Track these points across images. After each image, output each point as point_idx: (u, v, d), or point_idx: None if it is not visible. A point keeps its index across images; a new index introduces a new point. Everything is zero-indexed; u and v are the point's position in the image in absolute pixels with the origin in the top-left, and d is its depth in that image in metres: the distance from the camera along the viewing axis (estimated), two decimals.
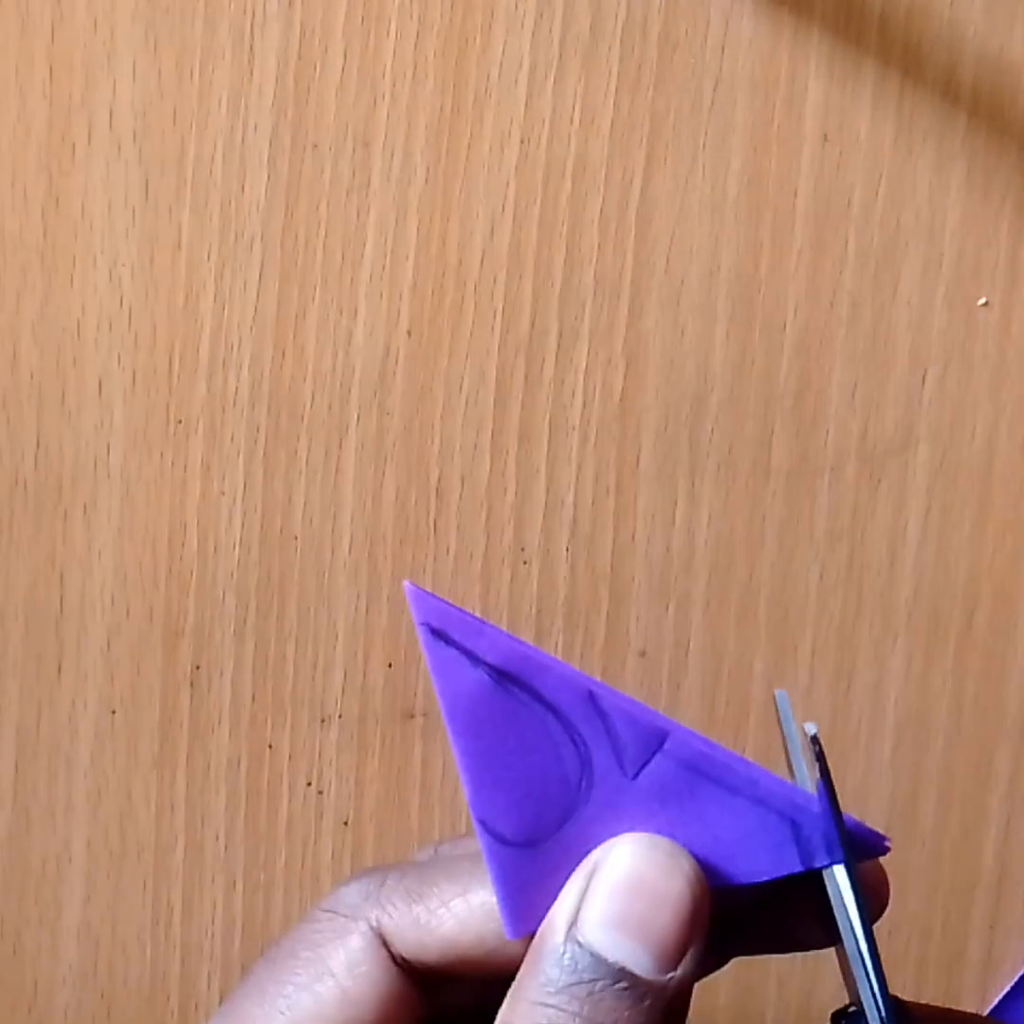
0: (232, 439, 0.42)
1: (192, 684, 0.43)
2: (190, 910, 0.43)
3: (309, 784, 0.43)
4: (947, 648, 0.43)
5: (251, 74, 0.40)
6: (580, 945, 0.28)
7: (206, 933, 0.43)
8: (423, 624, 0.30)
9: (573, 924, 0.29)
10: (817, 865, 0.29)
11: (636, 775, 0.30)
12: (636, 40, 0.41)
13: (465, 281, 0.42)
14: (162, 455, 0.42)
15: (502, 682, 0.30)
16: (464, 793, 0.30)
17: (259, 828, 0.43)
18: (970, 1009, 0.44)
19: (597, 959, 0.28)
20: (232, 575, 0.42)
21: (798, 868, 0.29)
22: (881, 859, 0.31)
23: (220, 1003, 0.35)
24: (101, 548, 0.42)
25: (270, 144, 0.41)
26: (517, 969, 0.30)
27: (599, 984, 0.28)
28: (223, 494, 0.42)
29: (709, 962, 0.34)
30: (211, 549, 0.42)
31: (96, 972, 0.43)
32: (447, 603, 0.30)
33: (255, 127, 0.41)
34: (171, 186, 0.41)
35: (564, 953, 0.28)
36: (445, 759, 0.43)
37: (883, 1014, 0.28)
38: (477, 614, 0.42)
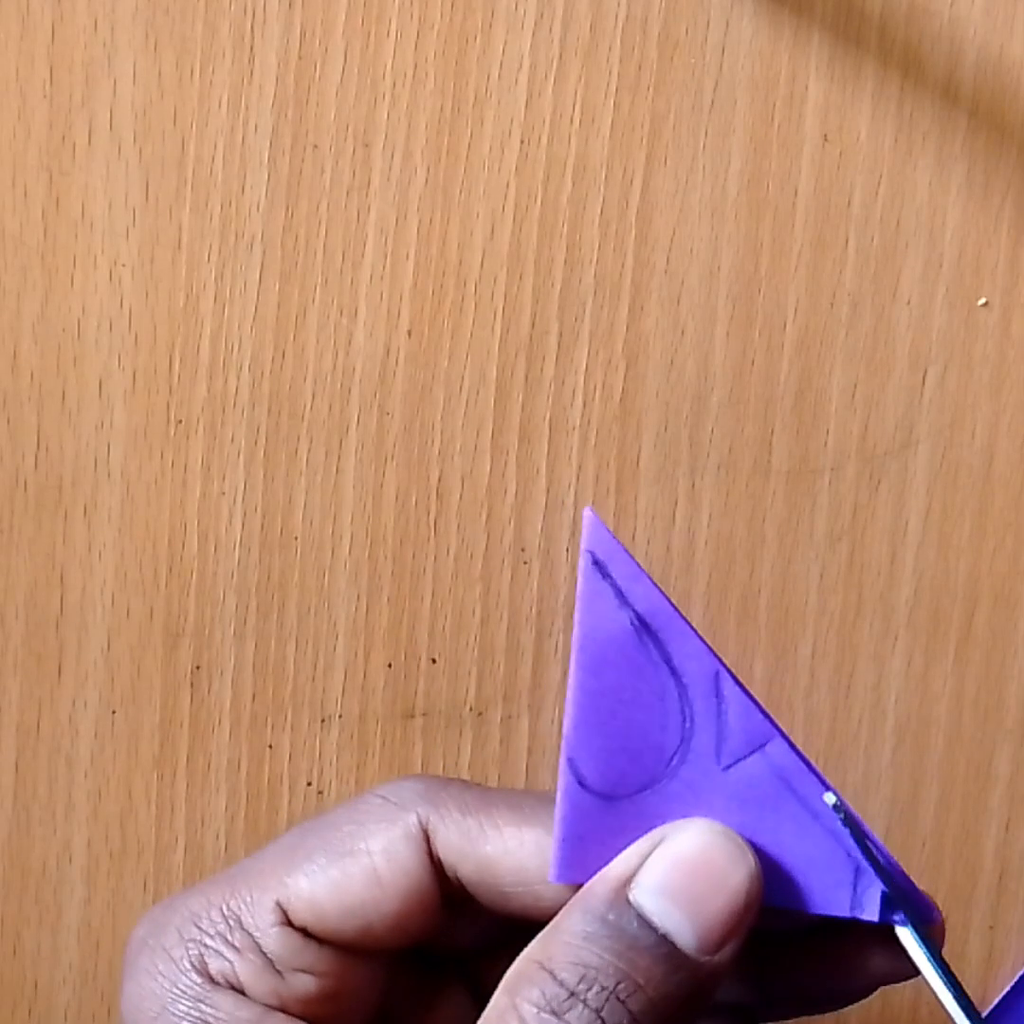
0: (232, 439, 0.42)
1: (192, 684, 0.43)
2: None
3: (309, 784, 0.43)
4: (947, 648, 0.43)
5: (251, 74, 0.40)
6: (630, 904, 0.29)
7: None
8: (588, 551, 0.30)
9: (628, 883, 0.29)
10: (861, 917, 0.29)
11: (729, 767, 0.30)
12: (636, 40, 0.41)
13: (465, 281, 0.42)
14: (162, 455, 0.42)
15: (641, 632, 0.30)
16: (563, 727, 0.30)
17: (259, 828, 0.43)
18: None
19: (643, 921, 0.29)
20: (232, 575, 0.42)
21: (845, 913, 0.29)
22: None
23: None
24: (101, 548, 0.42)
25: (270, 144, 0.41)
26: (539, 917, 0.30)
27: (641, 942, 0.28)
28: (223, 494, 0.42)
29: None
30: (211, 549, 0.42)
31: (96, 972, 0.43)
32: (617, 541, 0.30)
33: (255, 127, 0.41)
34: (171, 186, 0.41)
35: (613, 906, 0.29)
36: (445, 759, 0.43)
37: None
38: (477, 611, 0.42)
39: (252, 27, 0.40)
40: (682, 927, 0.28)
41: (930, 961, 0.29)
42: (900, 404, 0.43)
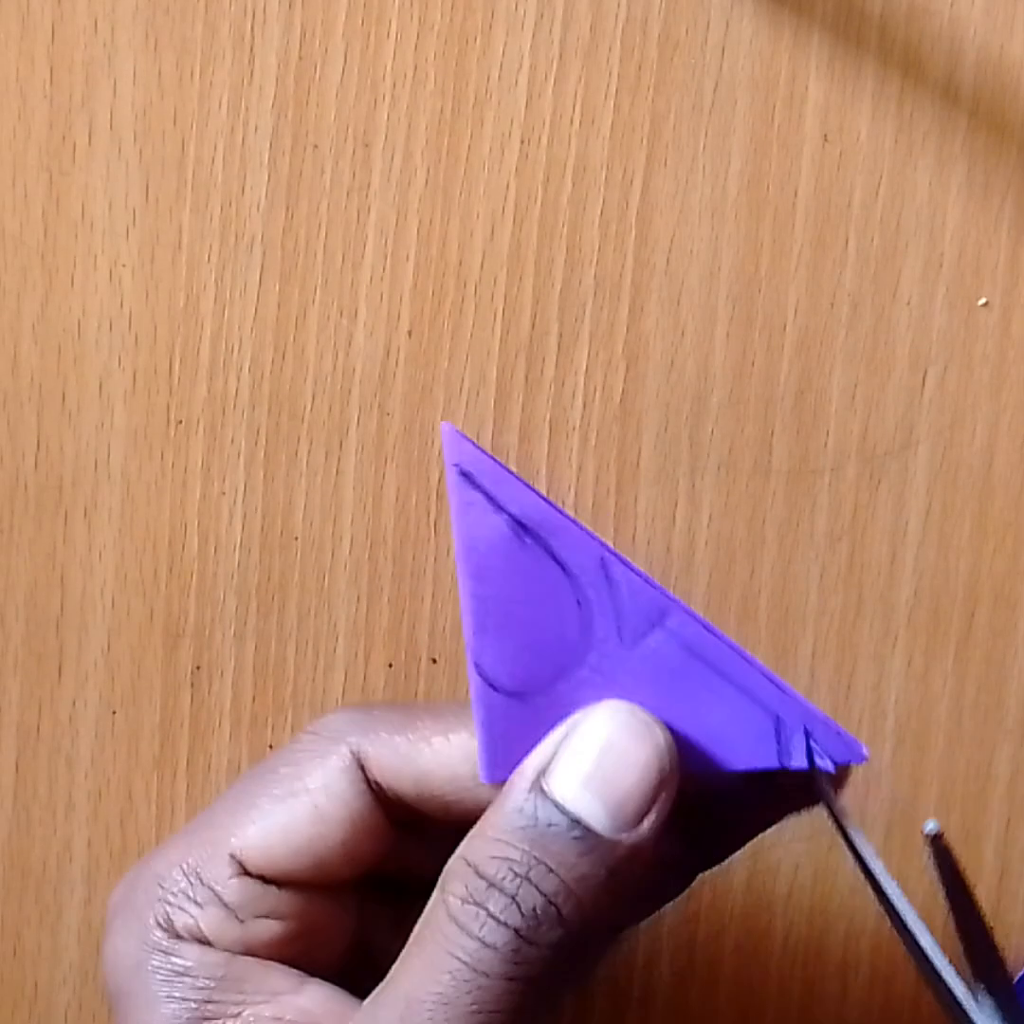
0: (232, 440, 0.42)
1: (193, 684, 0.43)
2: None
3: None
4: (947, 648, 0.43)
5: (251, 74, 0.40)
6: (544, 793, 0.30)
7: None
8: (454, 465, 0.30)
9: (542, 774, 0.30)
10: (791, 765, 0.30)
11: (633, 646, 0.30)
12: (636, 40, 0.41)
13: (465, 282, 0.42)
14: (162, 456, 0.42)
15: (519, 533, 0.30)
16: (464, 635, 0.30)
17: None
18: None
19: (558, 808, 0.30)
20: (232, 576, 0.42)
21: (774, 764, 0.30)
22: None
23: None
24: (102, 549, 0.42)
25: (270, 145, 0.41)
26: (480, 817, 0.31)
27: (553, 830, 0.30)
28: (223, 495, 0.42)
29: (675, 884, 0.35)
30: (211, 550, 0.42)
31: (96, 972, 0.43)
32: (481, 449, 0.31)
33: (255, 128, 0.41)
34: (172, 187, 0.41)
35: (528, 799, 0.30)
36: None
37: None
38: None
39: (252, 27, 0.40)
40: (594, 809, 0.30)
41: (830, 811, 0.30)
42: (900, 404, 0.43)
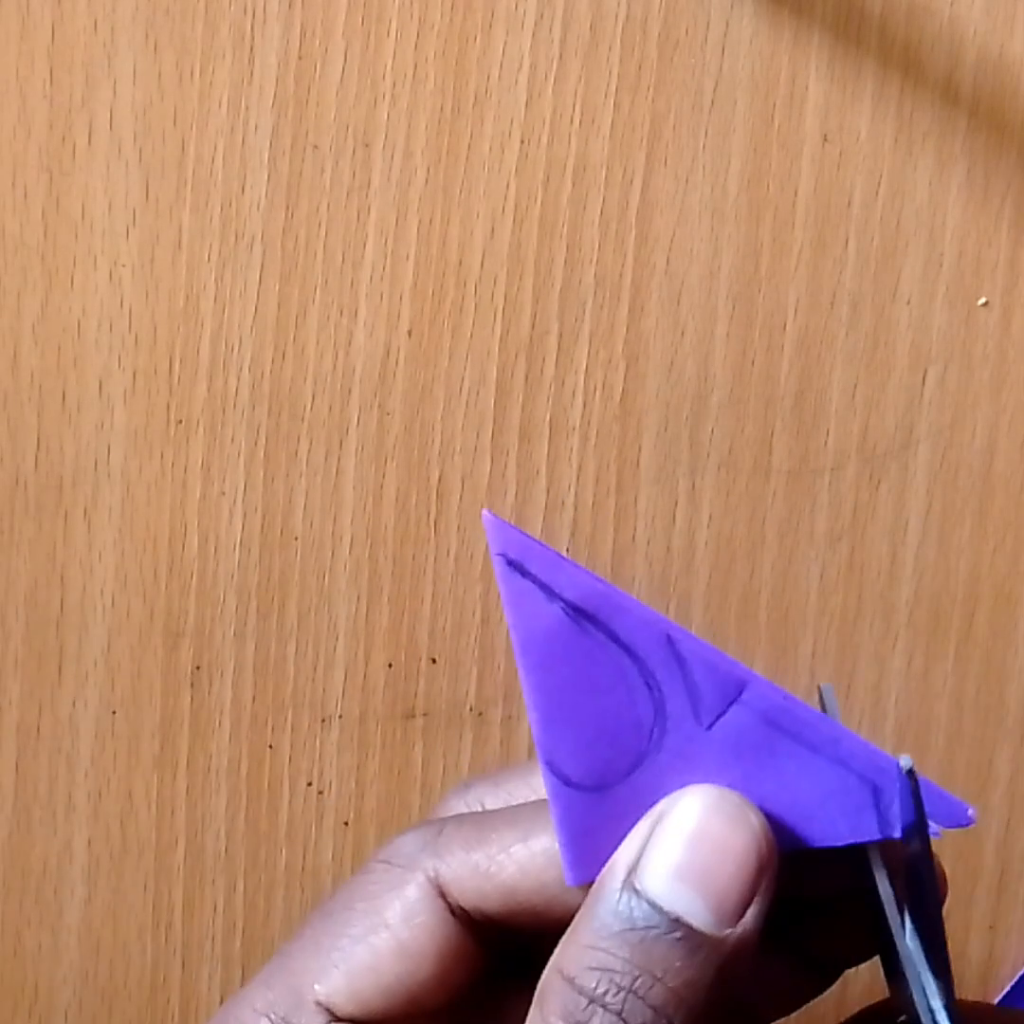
0: (232, 440, 0.42)
1: (193, 684, 0.43)
2: (191, 910, 0.43)
3: (309, 784, 0.43)
4: (947, 648, 0.43)
5: (251, 74, 0.40)
6: (637, 892, 0.28)
7: (207, 933, 0.43)
8: (500, 555, 0.29)
9: (633, 871, 0.28)
10: (895, 835, 0.28)
11: (711, 725, 0.29)
12: (636, 40, 0.41)
13: (465, 281, 0.42)
14: (162, 455, 0.42)
15: (578, 619, 0.29)
16: (532, 733, 0.29)
17: (260, 828, 0.43)
18: None
19: (654, 907, 0.28)
20: (233, 575, 0.42)
21: (876, 835, 0.28)
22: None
23: (238, 985, 0.34)
24: (102, 548, 0.42)
25: (270, 144, 0.41)
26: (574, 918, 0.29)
27: (653, 932, 0.27)
28: (223, 494, 0.42)
29: (823, 980, 0.32)
30: (212, 549, 0.42)
31: (96, 972, 0.43)
32: (525, 535, 0.29)
33: (255, 127, 0.41)
34: (171, 186, 0.41)
35: (621, 899, 0.28)
36: (445, 759, 0.43)
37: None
38: (477, 611, 0.42)
39: (252, 27, 0.40)
40: (694, 905, 0.28)
41: (927, 882, 0.28)
42: (900, 404, 0.43)
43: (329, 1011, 0.30)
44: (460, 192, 0.41)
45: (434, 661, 0.43)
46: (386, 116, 0.41)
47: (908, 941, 0.28)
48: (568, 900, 0.30)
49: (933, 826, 0.28)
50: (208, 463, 0.42)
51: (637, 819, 0.29)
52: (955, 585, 0.43)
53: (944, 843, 0.44)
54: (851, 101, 0.42)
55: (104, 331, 0.41)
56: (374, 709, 0.43)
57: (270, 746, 0.43)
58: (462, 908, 0.30)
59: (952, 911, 0.44)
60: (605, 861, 0.29)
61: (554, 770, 0.29)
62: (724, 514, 0.43)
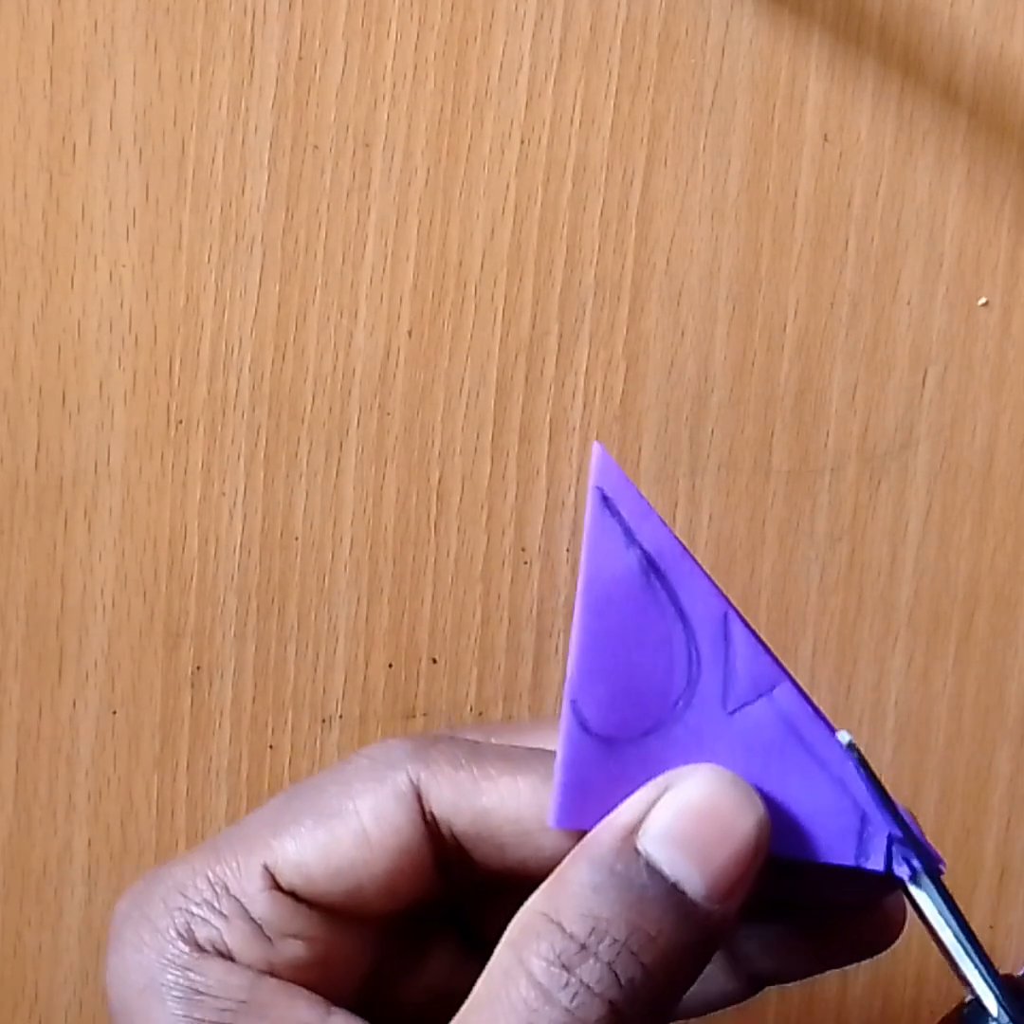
0: (233, 440, 0.42)
1: (193, 685, 0.43)
2: None
3: None
4: (947, 648, 0.43)
5: (251, 75, 0.40)
6: (638, 853, 0.28)
7: None
8: (597, 488, 0.29)
9: (635, 831, 0.28)
10: (867, 866, 0.28)
11: (734, 712, 0.29)
12: (636, 40, 0.41)
13: (465, 282, 0.42)
14: (163, 456, 0.42)
15: (648, 572, 0.29)
16: (567, 669, 0.29)
17: None
18: None
19: (651, 870, 0.28)
20: (233, 576, 0.42)
21: (851, 862, 0.29)
22: None
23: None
24: (102, 549, 0.42)
25: (270, 145, 0.41)
26: (536, 870, 0.29)
27: (651, 892, 0.28)
28: (224, 495, 0.42)
29: (743, 990, 0.33)
30: (212, 550, 0.42)
31: (96, 972, 0.43)
32: (627, 478, 0.29)
33: (255, 128, 0.41)
34: (171, 187, 0.41)
35: (620, 856, 0.28)
36: None
37: (999, 997, 0.28)
38: (477, 611, 0.42)
39: (252, 28, 0.40)
40: (691, 875, 0.28)
41: (945, 912, 0.29)
42: (900, 404, 0.43)
43: (273, 878, 0.30)
44: (460, 192, 0.41)
45: (434, 661, 0.43)
46: (386, 116, 0.41)
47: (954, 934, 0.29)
48: (537, 843, 0.30)
49: (903, 868, 0.29)
50: (208, 464, 0.42)
51: (637, 781, 0.29)
52: (955, 585, 0.43)
53: (945, 843, 0.44)
54: (851, 101, 0.42)
55: (104, 332, 0.41)
56: (374, 709, 0.43)
57: (270, 747, 0.43)
58: (434, 819, 0.30)
59: None
60: (593, 813, 0.29)
61: (576, 711, 0.29)
62: (724, 514, 0.43)
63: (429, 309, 0.42)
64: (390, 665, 0.43)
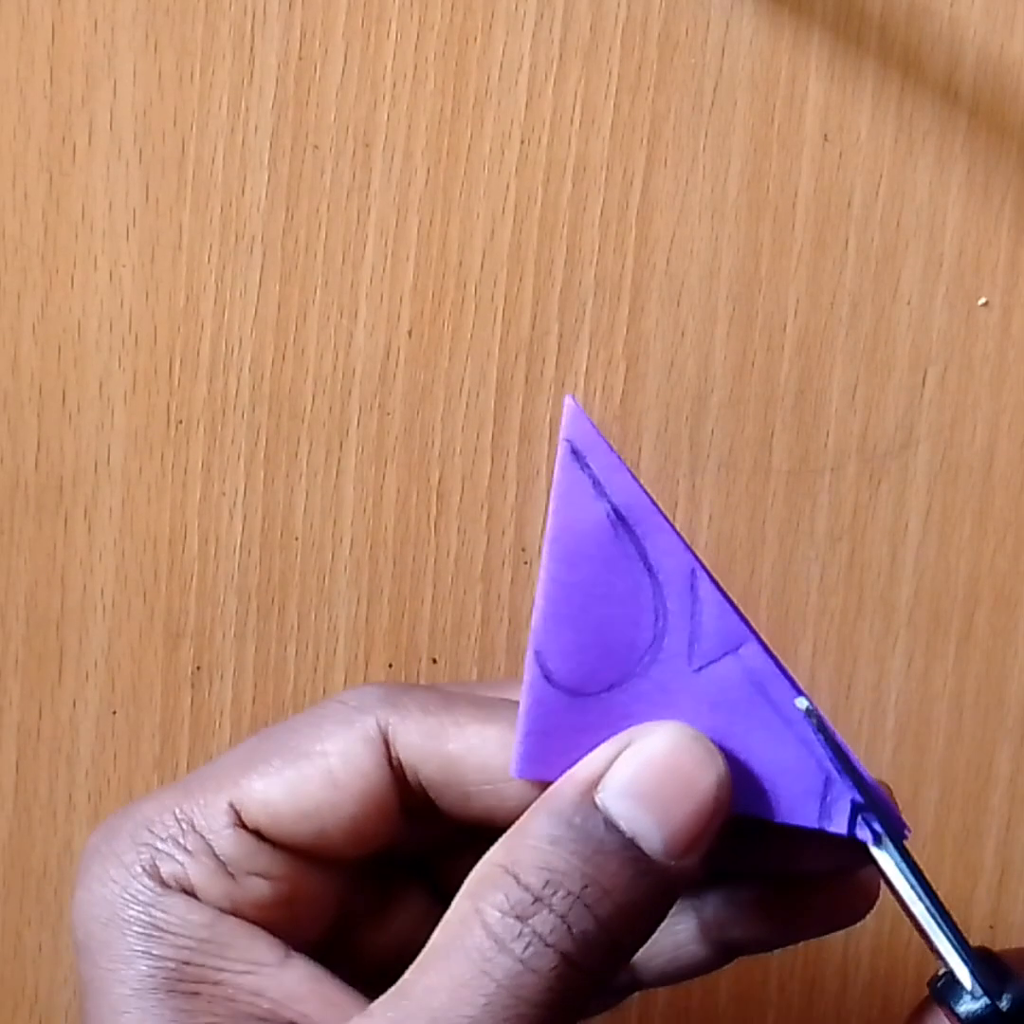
0: (233, 440, 0.42)
1: (193, 685, 0.43)
2: None
3: None
4: (947, 648, 0.43)
5: (251, 75, 0.40)
6: (597, 806, 0.28)
7: None
8: (567, 440, 0.29)
9: (594, 786, 0.28)
10: (829, 828, 0.28)
11: (700, 669, 0.29)
12: (636, 40, 0.41)
13: (466, 282, 0.42)
14: (163, 456, 0.42)
15: (617, 525, 0.29)
16: (532, 620, 0.29)
17: None
18: None
19: (610, 824, 0.28)
20: (233, 576, 0.42)
21: (813, 824, 0.28)
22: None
23: None
24: (102, 549, 0.42)
25: (270, 145, 0.41)
26: (501, 819, 0.29)
27: (608, 846, 0.28)
28: (224, 495, 0.42)
29: (715, 959, 0.34)
30: (212, 550, 0.42)
31: None
32: (599, 432, 0.29)
33: (255, 128, 0.41)
34: (171, 187, 0.41)
35: (579, 809, 0.28)
36: None
37: (972, 969, 0.28)
38: (477, 611, 0.42)
39: (252, 28, 0.40)
40: (650, 831, 0.28)
41: (911, 880, 0.29)
42: (900, 404, 0.43)
43: (238, 815, 0.31)
44: (460, 192, 0.41)
45: (434, 661, 0.43)
46: (386, 117, 0.41)
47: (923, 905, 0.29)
48: (501, 793, 0.30)
49: (865, 832, 0.28)
50: (208, 464, 0.42)
51: (600, 734, 0.29)
52: (955, 585, 0.43)
53: (945, 843, 0.44)
54: (851, 101, 0.42)
55: (104, 332, 0.41)
56: None
57: None
58: (401, 764, 0.31)
59: (953, 911, 0.44)
60: (556, 764, 0.29)
61: (540, 662, 0.29)
62: (724, 514, 0.43)
63: (429, 309, 0.42)
64: (390, 665, 0.43)
